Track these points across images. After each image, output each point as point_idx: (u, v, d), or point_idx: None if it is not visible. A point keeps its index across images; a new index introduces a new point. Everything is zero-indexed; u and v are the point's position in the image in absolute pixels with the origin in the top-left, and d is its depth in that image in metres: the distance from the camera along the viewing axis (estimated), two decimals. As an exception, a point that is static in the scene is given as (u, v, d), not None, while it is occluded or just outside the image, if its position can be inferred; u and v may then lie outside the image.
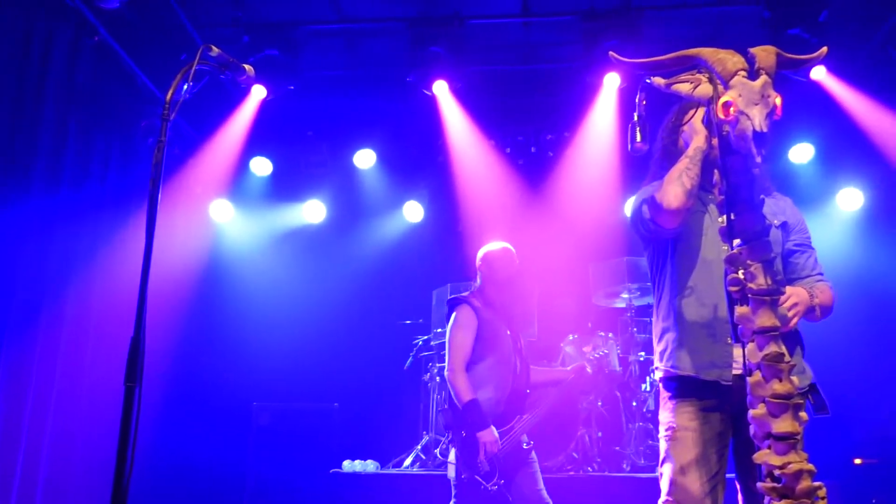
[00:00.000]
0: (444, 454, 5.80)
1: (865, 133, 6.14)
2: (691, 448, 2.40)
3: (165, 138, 2.19)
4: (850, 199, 6.86)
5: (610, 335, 6.11)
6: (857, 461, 6.02)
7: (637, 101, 2.33)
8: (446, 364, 4.00)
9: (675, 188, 2.28)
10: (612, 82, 6.01)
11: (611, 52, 2.21)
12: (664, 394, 2.57)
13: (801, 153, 6.80)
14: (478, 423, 3.76)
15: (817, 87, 5.94)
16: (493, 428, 3.77)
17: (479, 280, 4.21)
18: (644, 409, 5.93)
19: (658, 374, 2.61)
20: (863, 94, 6.00)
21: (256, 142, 6.88)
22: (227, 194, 7.26)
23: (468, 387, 3.83)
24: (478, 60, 6.34)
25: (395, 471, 5.79)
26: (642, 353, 6.00)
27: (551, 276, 6.74)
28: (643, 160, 2.70)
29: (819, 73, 5.80)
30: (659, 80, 2.13)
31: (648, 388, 5.91)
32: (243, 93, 6.20)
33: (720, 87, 1.91)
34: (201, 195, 7.08)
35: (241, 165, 7.10)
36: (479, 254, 4.26)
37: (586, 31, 5.72)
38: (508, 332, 4.06)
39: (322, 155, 7.32)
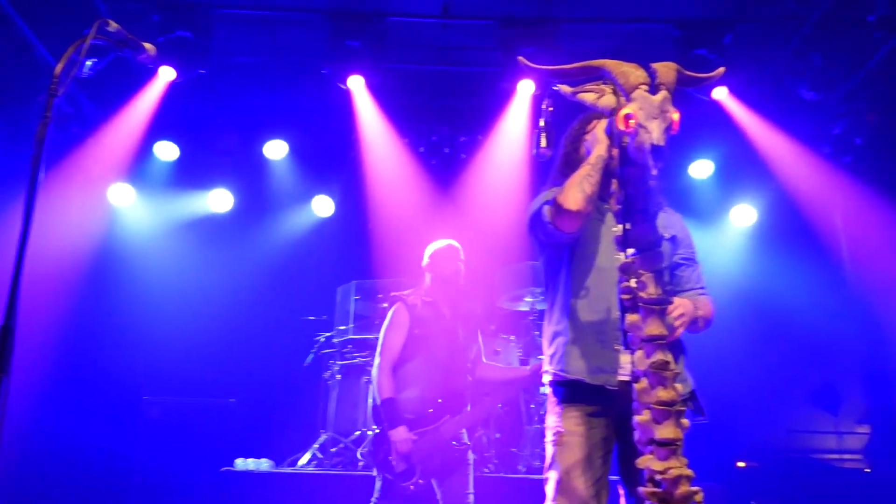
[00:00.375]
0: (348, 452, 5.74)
1: (760, 153, 6.46)
2: (577, 453, 2.45)
3: (51, 114, 2.06)
4: (744, 215, 7.19)
5: (512, 338, 6.19)
6: (740, 464, 6.30)
7: (543, 107, 2.36)
8: (374, 361, 4.01)
9: (575, 193, 2.31)
10: (526, 89, 6.10)
11: (520, 58, 2.24)
12: (551, 398, 2.62)
13: (701, 169, 7.09)
14: (391, 422, 3.76)
15: (719, 107, 6.20)
16: (404, 428, 3.75)
17: (427, 278, 4.19)
18: (542, 412, 6.02)
19: (547, 378, 2.65)
20: (760, 116, 6.31)
21: (163, 125, 6.62)
22: (129, 178, 6.97)
23: (388, 385, 3.83)
24: (395, 58, 6.30)
25: (289, 470, 5.67)
26: (542, 357, 6.09)
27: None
28: (551, 166, 2.74)
29: (720, 94, 6.06)
30: (565, 89, 2.16)
31: (547, 392, 6.01)
32: (151, 73, 5.96)
33: (622, 99, 1.95)
34: (100, 178, 6.77)
35: (146, 149, 6.82)
36: (426, 251, 4.24)
37: (504, 38, 5.77)
38: (459, 331, 4.03)
39: (231, 143, 7.11)
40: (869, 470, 6.02)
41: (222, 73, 6.40)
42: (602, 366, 2.46)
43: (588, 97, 2.13)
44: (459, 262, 4.17)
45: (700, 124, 6.54)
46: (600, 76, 2.10)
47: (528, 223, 2.63)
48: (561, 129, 2.36)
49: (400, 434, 3.74)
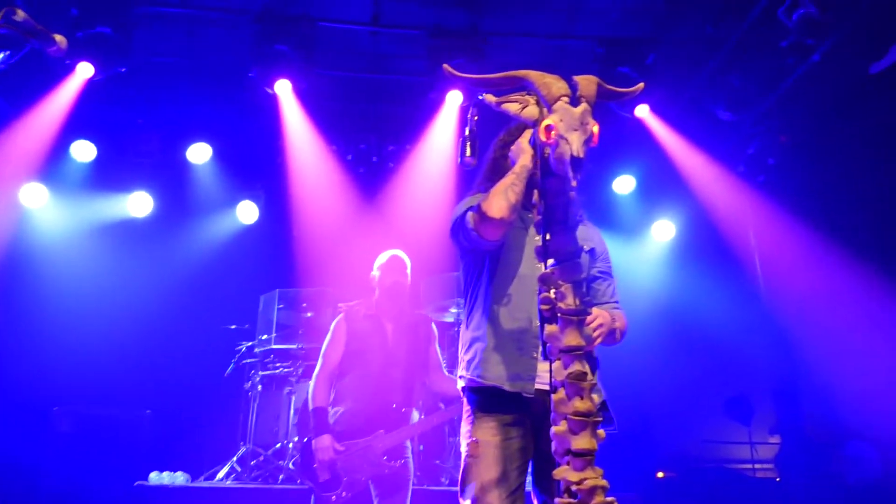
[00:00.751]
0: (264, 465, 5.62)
1: (680, 170, 6.66)
2: (493, 465, 2.42)
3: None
4: (664, 230, 7.40)
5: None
6: (660, 475, 6.43)
7: (468, 116, 2.36)
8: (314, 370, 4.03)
9: (499, 200, 2.32)
10: (454, 100, 6.12)
11: (445, 66, 2.24)
12: (466, 407, 2.59)
13: (624, 184, 7.26)
14: (316, 430, 3.80)
15: (641, 124, 6.36)
16: (328, 437, 3.76)
17: (376, 290, 4.16)
18: (466, 423, 6.03)
19: (461, 384, 2.63)
20: (680, 134, 6.51)
21: (79, 125, 6.39)
22: (42, 178, 6.67)
23: (322, 395, 3.87)
24: (324, 64, 6.23)
25: (206, 483, 5.50)
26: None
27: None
28: (476, 174, 2.74)
29: (642, 111, 6.22)
30: (490, 98, 2.17)
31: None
32: (68, 70, 5.72)
33: (544, 110, 1.97)
34: (11, 177, 6.45)
35: (61, 148, 6.56)
36: (375, 262, 4.25)
37: (432, 48, 5.79)
38: (402, 346, 4.00)
39: (152, 145, 6.91)
40: (779, 479, 6.23)
41: (144, 73, 6.20)
42: (520, 373, 2.45)
43: (512, 108, 2.14)
44: (402, 275, 4.14)
45: (623, 141, 6.70)
46: (523, 86, 2.12)
47: (450, 228, 2.62)
48: (486, 138, 2.37)
49: (323, 442, 3.75)
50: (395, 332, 4.05)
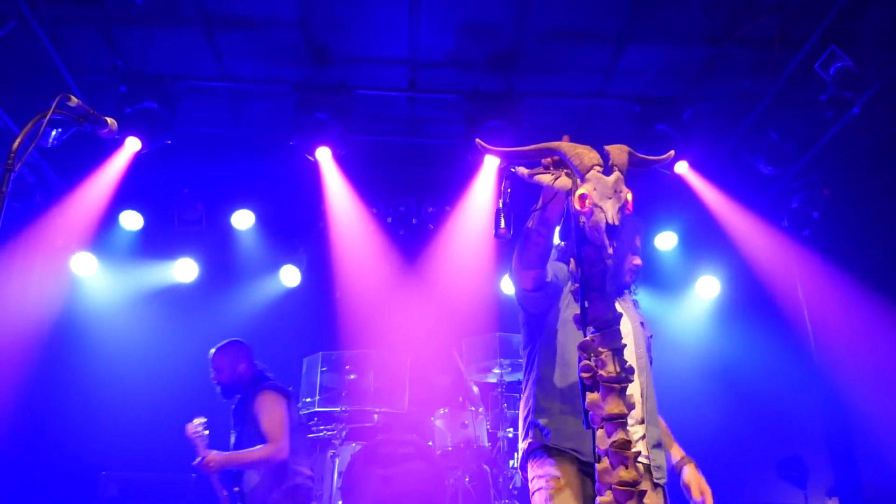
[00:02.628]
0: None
1: (722, 226, 6.59)
2: (573, 500, 2.41)
3: (6, 189, 2.04)
4: (708, 287, 7.29)
5: (480, 410, 6.12)
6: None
7: (502, 188, 2.40)
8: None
9: (516, 258, 2.47)
10: (491, 161, 6.19)
11: (477, 140, 2.29)
12: (539, 457, 2.60)
13: (666, 240, 7.20)
14: None
15: (681, 180, 6.34)
16: None
17: None
18: (511, 486, 5.92)
19: (525, 446, 2.64)
20: (720, 189, 6.46)
21: (128, 195, 6.61)
22: (92, 247, 6.89)
23: None
24: (362, 130, 6.39)
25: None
26: (510, 430, 6.02)
27: (425, 348, 6.74)
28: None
29: (682, 167, 6.20)
30: (522, 170, 2.22)
31: (516, 465, 5.91)
32: (117, 144, 5.96)
33: (577, 180, 1.99)
34: (63, 247, 6.68)
35: (110, 219, 6.78)
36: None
37: (469, 111, 5.88)
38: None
39: (197, 213, 7.09)
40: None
41: (188, 144, 6.41)
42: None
43: (544, 179, 2.18)
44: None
45: (663, 197, 6.67)
46: (554, 158, 2.17)
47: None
48: (520, 210, 2.41)
49: None
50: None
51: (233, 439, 4.75)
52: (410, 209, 7.16)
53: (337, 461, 5.85)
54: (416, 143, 6.84)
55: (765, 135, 5.90)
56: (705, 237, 6.98)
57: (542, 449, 2.57)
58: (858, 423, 5.93)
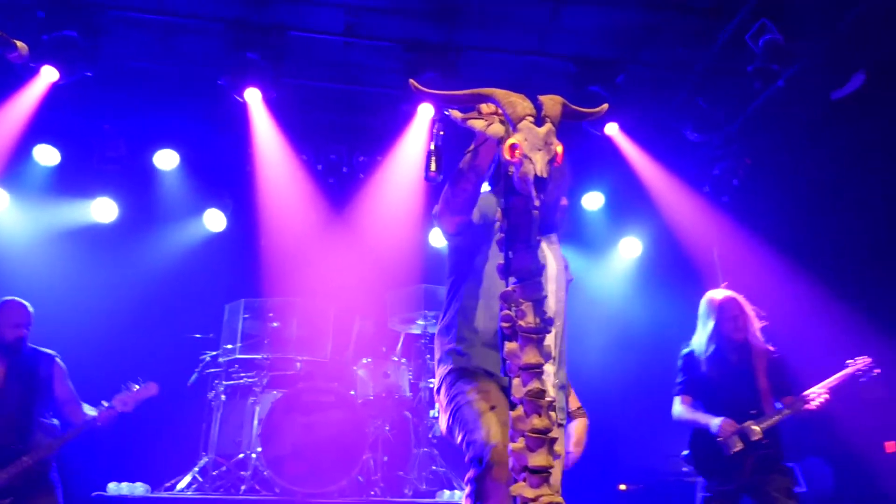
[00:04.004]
0: (222, 477, 5.55)
1: (647, 188, 6.75)
2: (482, 403, 2.37)
3: None
4: (631, 247, 7.49)
5: (403, 360, 6.18)
6: (622, 487, 6.47)
7: (434, 131, 2.37)
8: None
9: (441, 202, 2.48)
10: (426, 112, 6.14)
11: (411, 81, 2.25)
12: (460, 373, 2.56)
13: (593, 201, 7.34)
14: None
15: (610, 142, 6.44)
16: None
17: None
18: (430, 435, 6.03)
19: (442, 371, 2.61)
20: (648, 153, 6.60)
21: (43, 128, 6.30)
22: (4, 182, 6.56)
23: None
24: (295, 73, 6.22)
25: (166, 494, 5.43)
26: (433, 380, 6.10)
27: (350, 298, 6.73)
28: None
29: (612, 130, 6.30)
30: (456, 114, 2.20)
31: (436, 414, 6.02)
32: (32, 72, 5.64)
33: (509, 129, 1.99)
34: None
35: (23, 152, 6.44)
36: None
37: (406, 61, 5.80)
38: (19, 384, 4.27)
39: (118, 151, 6.80)
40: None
41: (111, 78, 6.13)
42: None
43: (477, 124, 2.16)
44: (22, 327, 4.46)
45: (592, 158, 6.77)
46: (488, 104, 2.15)
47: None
48: (452, 154, 2.39)
49: None
50: (9, 374, 4.29)
51: None
52: (342, 157, 7.06)
53: (257, 409, 5.83)
54: (350, 90, 6.70)
55: (694, 102, 6.03)
56: (631, 199, 7.14)
57: (461, 370, 2.52)
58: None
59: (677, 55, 5.99)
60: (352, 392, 6.02)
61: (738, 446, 4.10)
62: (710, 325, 4.42)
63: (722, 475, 4.15)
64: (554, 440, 1.89)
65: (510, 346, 1.95)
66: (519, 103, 1.98)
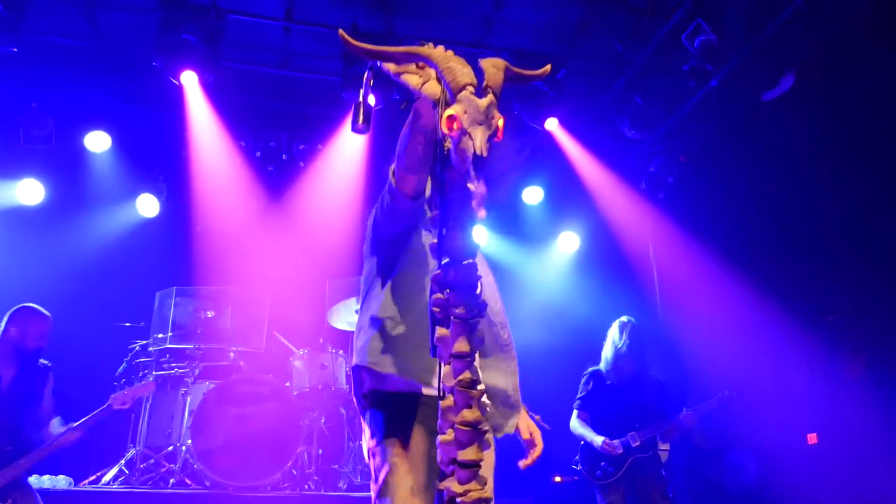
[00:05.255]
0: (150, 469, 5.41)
1: (585, 184, 6.83)
2: (419, 468, 2.31)
3: None
4: (569, 242, 7.57)
5: (340, 352, 6.11)
6: (557, 479, 6.53)
7: (364, 80, 2.21)
8: None
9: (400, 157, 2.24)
10: (370, 101, 6.06)
11: (340, 32, 1.99)
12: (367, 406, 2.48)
13: (532, 195, 7.39)
14: None
15: (550, 137, 6.49)
16: None
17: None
18: (366, 428, 5.98)
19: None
20: (586, 148, 6.68)
21: (-36, 106, 6.01)
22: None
23: None
24: (233, 57, 6.09)
25: (91, 487, 5.27)
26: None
27: (287, 288, 6.62)
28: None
29: (552, 125, 6.34)
30: (390, 66, 2.00)
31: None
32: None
33: (447, 97, 1.83)
34: None
35: (-58, 130, 6.15)
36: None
37: (346, 47, 5.71)
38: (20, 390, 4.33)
39: (46, 131, 6.52)
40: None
41: (38, 54, 5.89)
42: (417, 367, 2.37)
43: (411, 80, 1.98)
44: (44, 338, 4.53)
45: (532, 152, 6.82)
46: (424, 64, 1.98)
47: (374, 216, 2.53)
48: (383, 106, 2.25)
49: None
50: (15, 380, 4.37)
51: None
52: (281, 144, 6.93)
53: (188, 399, 5.71)
54: (289, 76, 6.58)
55: (631, 99, 6.11)
56: (569, 193, 7.21)
57: (382, 397, 2.43)
58: (692, 376, 6.38)
59: (615, 51, 6.06)
60: (287, 384, 5.94)
61: (619, 451, 4.80)
62: (612, 348, 5.06)
63: (605, 481, 4.88)
64: (484, 432, 1.80)
65: (441, 331, 1.84)
66: (459, 70, 1.81)
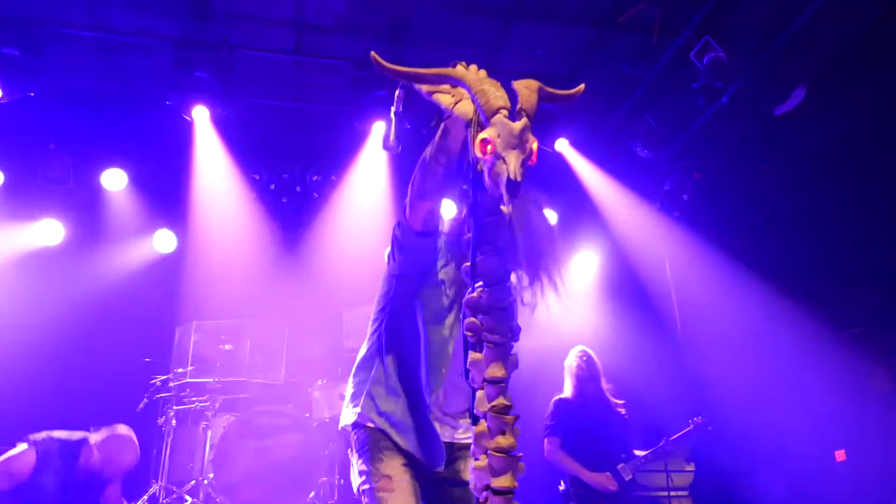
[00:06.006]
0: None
1: (599, 205, 6.82)
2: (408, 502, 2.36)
3: None
4: (586, 264, 7.53)
5: (359, 381, 6.08)
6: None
7: (395, 97, 2.22)
8: None
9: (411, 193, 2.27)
10: (380, 131, 6.12)
11: (372, 53, 1.99)
12: (355, 440, 2.55)
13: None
14: None
15: (561, 158, 6.50)
16: None
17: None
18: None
19: (350, 418, 2.58)
20: (599, 168, 6.67)
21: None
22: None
23: None
24: (245, 91, 6.15)
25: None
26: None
27: (304, 319, 6.63)
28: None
29: (562, 146, 6.36)
30: (422, 86, 2.00)
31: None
32: (-28, 92, 5.46)
33: (479, 118, 1.81)
34: None
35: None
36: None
37: (357, 78, 5.78)
38: None
39: (64, 171, 6.59)
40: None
41: (55, 96, 5.98)
42: (425, 444, 2.45)
43: (444, 99, 1.97)
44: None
45: (544, 174, 6.82)
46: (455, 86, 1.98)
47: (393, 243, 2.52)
48: (414, 123, 2.26)
49: None
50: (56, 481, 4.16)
51: None
52: (294, 177, 6.97)
53: (209, 433, 5.69)
54: (301, 108, 6.63)
55: (642, 119, 6.14)
56: (583, 215, 7.20)
57: (377, 437, 2.48)
58: (717, 396, 6.30)
59: (624, 72, 6.09)
60: (307, 414, 5.91)
61: (613, 486, 4.80)
62: (572, 379, 5.09)
63: None
64: (518, 458, 1.76)
65: (474, 355, 1.82)
66: (492, 93, 1.78)
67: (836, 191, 5.48)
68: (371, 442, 2.44)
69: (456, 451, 2.54)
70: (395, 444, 2.44)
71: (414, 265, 2.48)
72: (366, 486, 2.38)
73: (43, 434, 4.20)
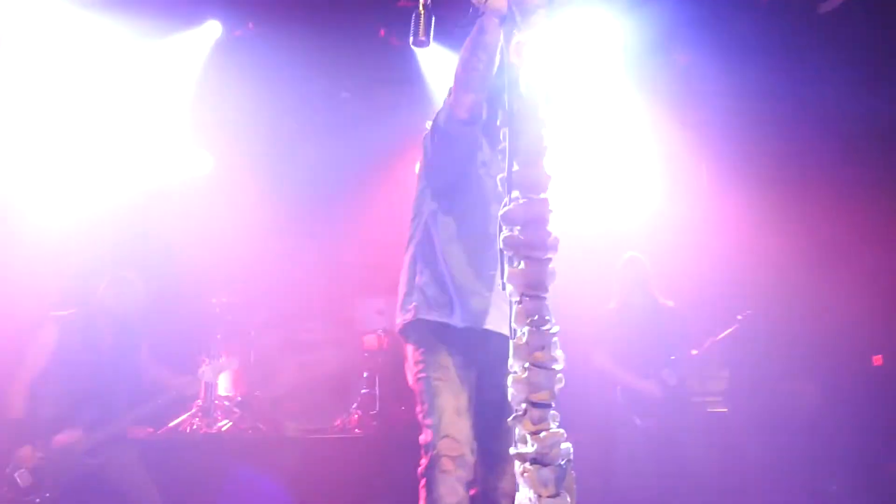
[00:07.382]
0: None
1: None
2: (460, 392, 2.42)
3: None
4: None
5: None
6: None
7: None
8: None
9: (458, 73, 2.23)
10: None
11: None
12: (413, 343, 2.58)
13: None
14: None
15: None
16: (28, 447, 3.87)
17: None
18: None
19: (404, 321, 2.60)
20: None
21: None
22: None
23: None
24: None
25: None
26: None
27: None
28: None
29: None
30: None
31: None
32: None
33: (518, 19, 1.74)
34: None
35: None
36: None
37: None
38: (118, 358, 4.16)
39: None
40: (727, 411, 6.35)
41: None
42: (474, 310, 2.46)
43: None
44: None
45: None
46: None
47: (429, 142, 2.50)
48: (444, 19, 2.20)
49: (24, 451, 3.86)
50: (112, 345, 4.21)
51: None
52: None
53: (252, 350, 5.81)
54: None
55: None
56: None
57: (431, 328, 2.52)
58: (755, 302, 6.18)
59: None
60: (347, 330, 6.02)
61: (659, 393, 4.75)
62: (621, 285, 4.98)
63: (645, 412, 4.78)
64: (556, 373, 1.77)
65: (512, 270, 1.80)
66: None
67: (885, 86, 5.24)
68: (427, 335, 2.50)
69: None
70: (450, 337, 2.48)
71: (453, 154, 2.47)
72: (422, 375, 2.45)
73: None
